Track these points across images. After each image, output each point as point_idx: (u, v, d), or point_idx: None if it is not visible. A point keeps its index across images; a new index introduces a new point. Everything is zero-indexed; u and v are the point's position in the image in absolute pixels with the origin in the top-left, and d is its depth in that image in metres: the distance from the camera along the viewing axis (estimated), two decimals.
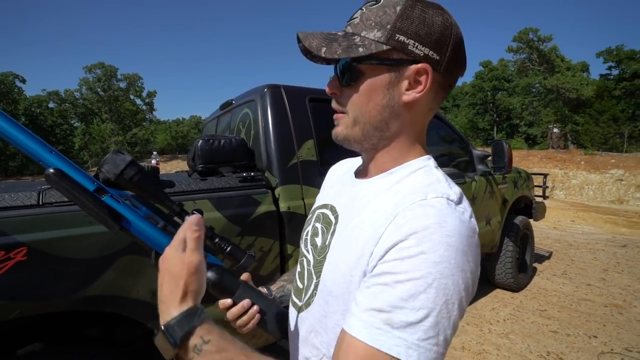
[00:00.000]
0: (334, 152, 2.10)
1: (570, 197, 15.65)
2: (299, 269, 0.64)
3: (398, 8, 0.46)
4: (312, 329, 0.54)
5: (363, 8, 0.49)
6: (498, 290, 3.42)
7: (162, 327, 0.40)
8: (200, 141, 1.74)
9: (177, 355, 0.40)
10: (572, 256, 4.66)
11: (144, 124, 44.20)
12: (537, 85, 31.65)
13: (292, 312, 0.62)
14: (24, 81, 35.81)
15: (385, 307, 0.38)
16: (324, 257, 0.54)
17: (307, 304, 0.56)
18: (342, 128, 0.52)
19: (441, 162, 2.74)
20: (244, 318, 0.60)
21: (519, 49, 33.11)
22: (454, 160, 2.91)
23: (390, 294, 0.38)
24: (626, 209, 11.39)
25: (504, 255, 3.24)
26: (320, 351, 0.52)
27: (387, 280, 0.39)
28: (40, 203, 1.13)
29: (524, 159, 18.90)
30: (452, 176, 2.82)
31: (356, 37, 0.47)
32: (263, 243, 1.56)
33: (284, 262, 1.65)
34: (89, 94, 39.78)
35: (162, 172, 1.82)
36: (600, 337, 2.55)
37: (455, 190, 0.47)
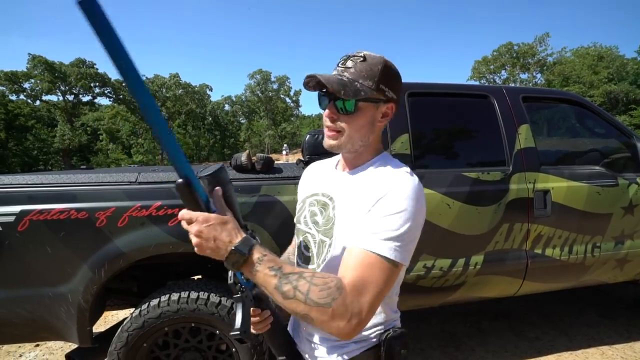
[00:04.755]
0: (429, 145, 2.08)
1: None
2: (303, 243, 0.84)
3: (380, 67, 0.73)
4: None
5: (354, 60, 0.73)
6: None
7: (233, 248, 0.58)
8: (308, 135, 2.07)
9: (240, 268, 0.59)
10: None
11: (292, 119, 50.87)
12: None
13: None
14: (211, 89, 46.95)
15: (377, 230, 0.65)
16: (333, 224, 0.77)
17: (324, 259, 0.77)
18: (336, 142, 0.76)
19: (586, 160, 2.28)
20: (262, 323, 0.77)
21: None
22: (608, 157, 2.31)
23: (379, 223, 0.66)
24: None
25: None
26: None
27: (376, 216, 0.67)
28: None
29: None
30: (598, 176, 2.33)
31: (357, 83, 0.71)
32: None
33: None
34: (251, 96, 48.68)
35: (288, 161, 2.27)
36: None
37: (407, 168, 0.76)
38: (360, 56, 0.73)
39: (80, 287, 1.52)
